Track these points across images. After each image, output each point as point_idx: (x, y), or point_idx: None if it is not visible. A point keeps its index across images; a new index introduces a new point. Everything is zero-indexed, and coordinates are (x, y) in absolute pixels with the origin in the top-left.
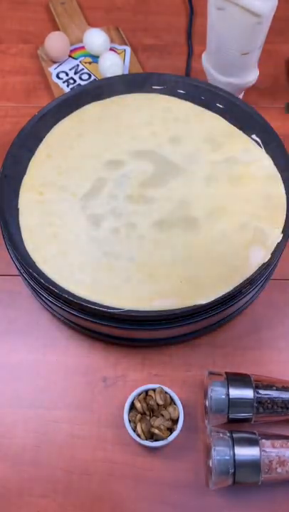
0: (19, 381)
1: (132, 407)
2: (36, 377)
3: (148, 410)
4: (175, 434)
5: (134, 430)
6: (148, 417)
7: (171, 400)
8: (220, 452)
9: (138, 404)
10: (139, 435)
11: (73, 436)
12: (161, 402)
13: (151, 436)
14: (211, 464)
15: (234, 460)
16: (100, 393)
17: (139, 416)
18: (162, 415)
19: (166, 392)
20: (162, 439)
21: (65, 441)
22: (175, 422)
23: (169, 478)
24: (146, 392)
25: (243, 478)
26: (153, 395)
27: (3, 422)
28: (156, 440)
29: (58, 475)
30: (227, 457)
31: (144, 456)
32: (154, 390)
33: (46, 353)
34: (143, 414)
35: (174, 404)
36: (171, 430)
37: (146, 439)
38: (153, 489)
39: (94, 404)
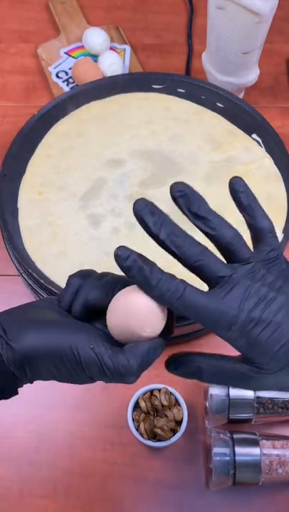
0: None
1: (136, 406)
2: None
3: (152, 410)
4: (178, 435)
5: (137, 429)
6: (152, 417)
7: (176, 401)
8: (220, 453)
9: (142, 404)
10: (141, 434)
11: (73, 436)
12: (165, 403)
13: (154, 436)
14: (211, 465)
15: (234, 461)
16: (100, 394)
17: (142, 415)
18: (166, 416)
19: (171, 393)
20: (164, 439)
21: (65, 441)
22: (178, 423)
23: (169, 478)
24: (152, 391)
25: (243, 479)
26: (158, 394)
27: (3, 422)
28: (158, 440)
29: (58, 475)
30: (227, 458)
31: (144, 456)
32: (159, 390)
33: None
34: (147, 413)
35: (179, 405)
36: (174, 431)
37: (149, 439)
38: (153, 490)
39: (94, 404)
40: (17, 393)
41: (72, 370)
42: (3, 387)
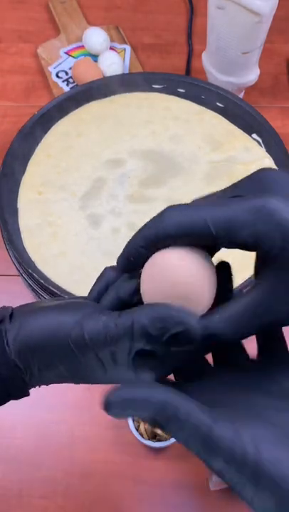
0: None
1: None
2: None
3: None
4: None
5: (137, 429)
6: None
7: None
8: None
9: None
10: (141, 434)
11: (73, 437)
12: None
13: (154, 437)
14: None
15: None
16: (100, 394)
17: None
18: None
19: None
20: (164, 439)
21: (65, 442)
22: None
23: (169, 478)
24: None
25: None
26: None
27: (2, 423)
28: (158, 440)
29: (58, 476)
30: None
31: (144, 456)
32: None
33: None
34: None
35: None
36: None
37: (149, 439)
38: (153, 490)
39: (94, 404)
40: (28, 394)
41: (78, 349)
42: (10, 377)
